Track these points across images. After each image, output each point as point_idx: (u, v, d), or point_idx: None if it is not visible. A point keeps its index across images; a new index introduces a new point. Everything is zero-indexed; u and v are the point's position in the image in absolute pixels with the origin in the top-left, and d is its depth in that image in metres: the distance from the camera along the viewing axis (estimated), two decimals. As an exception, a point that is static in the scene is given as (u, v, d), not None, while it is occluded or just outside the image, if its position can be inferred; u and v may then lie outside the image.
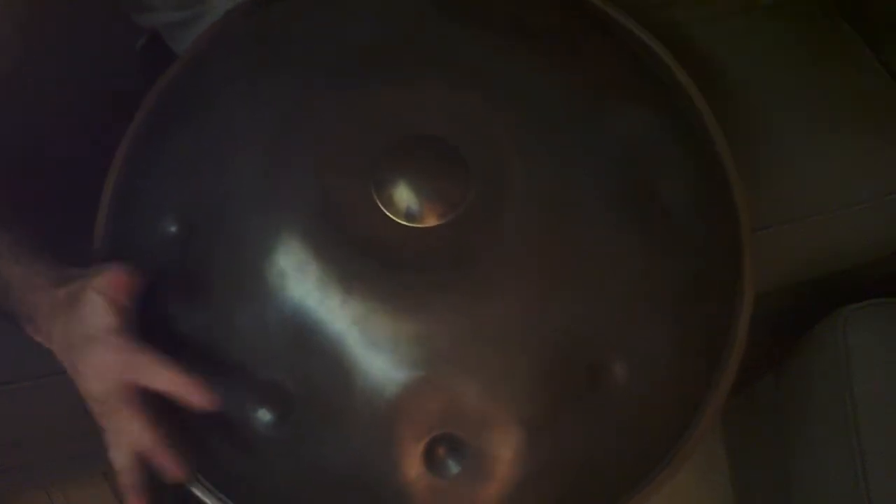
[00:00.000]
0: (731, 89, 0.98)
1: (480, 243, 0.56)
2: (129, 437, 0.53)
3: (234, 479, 0.56)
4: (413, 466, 0.54)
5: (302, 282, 0.55)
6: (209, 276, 0.57)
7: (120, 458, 0.53)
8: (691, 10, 1.04)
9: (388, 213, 0.56)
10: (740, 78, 0.99)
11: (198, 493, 0.55)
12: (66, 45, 0.81)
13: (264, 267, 0.56)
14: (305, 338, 0.55)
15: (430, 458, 0.54)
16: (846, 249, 1.06)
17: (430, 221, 0.56)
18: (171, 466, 0.53)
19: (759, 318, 0.61)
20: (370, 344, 0.54)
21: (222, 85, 0.63)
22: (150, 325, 0.56)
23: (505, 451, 0.54)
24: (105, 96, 0.86)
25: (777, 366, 1.06)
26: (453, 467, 0.54)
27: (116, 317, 0.53)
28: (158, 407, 0.53)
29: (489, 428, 0.54)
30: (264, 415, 0.55)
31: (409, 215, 0.56)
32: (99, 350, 0.53)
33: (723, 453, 1.22)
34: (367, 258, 0.55)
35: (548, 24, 0.66)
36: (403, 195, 0.56)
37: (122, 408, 0.53)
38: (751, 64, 1.01)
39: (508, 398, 0.55)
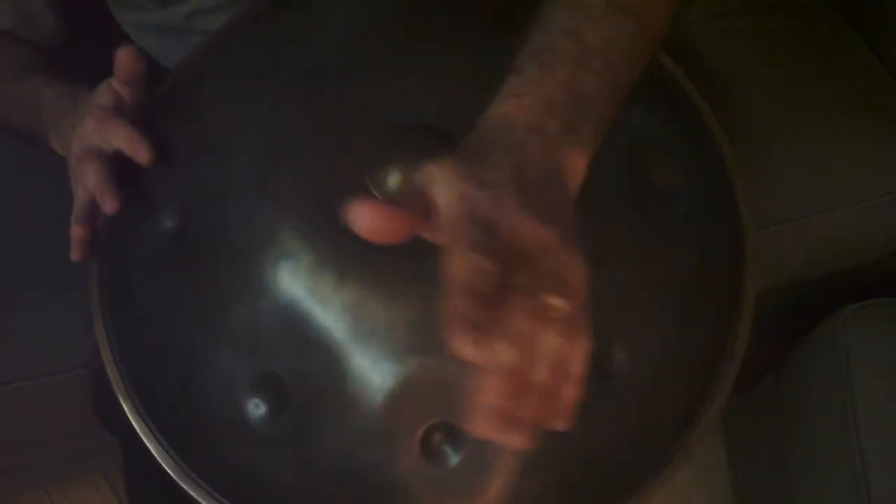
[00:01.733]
0: (730, 89, 0.98)
1: None
2: (85, 180, 0.59)
3: (228, 474, 0.56)
4: (409, 456, 0.54)
5: (296, 271, 0.55)
6: (204, 269, 0.58)
7: (77, 201, 0.61)
8: (691, 10, 1.04)
9: (381, 200, 0.56)
10: (740, 78, 0.99)
11: (190, 490, 0.55)
12: (64, 46, 0.81)
13: (258, 258, 0.56)
14: (299, 327, 0.55)
15: (427, 448, 0.54)
16: (846, 249, 1.06)
17: None
18: (104, 198, 0.58)
19: (760, 318, 0.61)
20: (364, 331, 0.54)
21: (217, 82, 0.63)
22: (144, 319, 0.56)
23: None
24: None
25: (777, 366, 1.06)
26: (451, 456, 0.54)
27: (115, 99, 0.61)
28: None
29: None
30: (259, 407, 0.55)
31: None
32: (86, 120, 0.60)
33: (723, 453, 1.22)
34: (360, 246, 0.55)
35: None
36: (397, 182, 0.56)
37: (85, 159, 0.59)
38: (751, 64, 1.01)
39: None
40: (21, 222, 0.92)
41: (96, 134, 0.60)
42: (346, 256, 0.55)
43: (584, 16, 0.49)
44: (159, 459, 0.56)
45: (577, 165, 0.45)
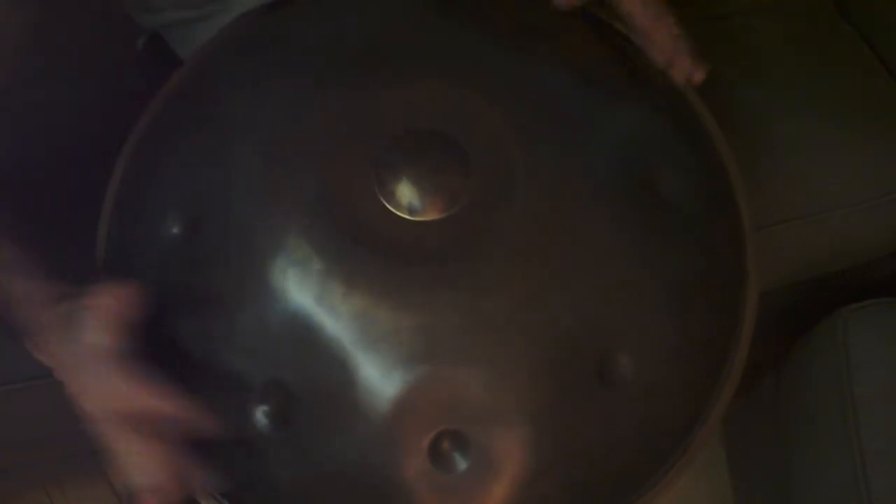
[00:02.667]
0: (730, 89, 0.99)
1: (483, 237, 0.56)
2: (134, 460, 0.51)
3: (234, 480, 0.56)
4: (418, 463, 0.54)
5: (304, 279, 0.55)
6: (211, 276, 0.58)
7: (127, 477, 0.52)
8: (690, 10, 1.04)
9: (390, 208, 0.56)
10: (740, 78, 0.99)
11: (197, 497, 0.55)
12: (66, 45, 0.81)
13: (266, 265, 0.56)
14: (307, 334, 0.55)
15: (435, 454, 0.54)
16: (846, 249, 1.06)
17: (433, 215, 0.56)
18: (190, 485, 0.51)
19: (760, 318, 0.61)
20: (372, 339, 0.54)
21: (224, 87, 0.63)
22: (150, 327, 0.55)
23: (510, 446, 0.54)
24: (105, 96, 0.86)
25: (777, 366, 1.07)
26: (459, 463, 0.54)
27: (111, 337, 0.52)
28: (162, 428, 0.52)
29: (494, 423, 0.54)
30: (266, 414, 0.55)
31: (411, 209, 0.56)
32: (91, 372, 0.52)
33: (723, 453, 1.22)
34: (368, 253, 0.55)
35: (546, 25, 0.66)
36: (405, 189, 0.56)
37: (121, 431, 0.51)
38: (751, 64, 1.01)
39: (513, 392, 0.55)
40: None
41: (118, 393, 0.51)
42: (355, 264, 0.55)
43: None
44: None
45: None
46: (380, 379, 0.53)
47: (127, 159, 0.63)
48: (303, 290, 0.55)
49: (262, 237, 0.57)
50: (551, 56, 0.64)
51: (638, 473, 0.57)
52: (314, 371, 0.55)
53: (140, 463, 0.51)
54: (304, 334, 0.54)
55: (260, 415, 0.55)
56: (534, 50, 0.63)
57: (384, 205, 0.56)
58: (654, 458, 0.57)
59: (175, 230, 0.59)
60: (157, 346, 0.55)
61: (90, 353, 0.51)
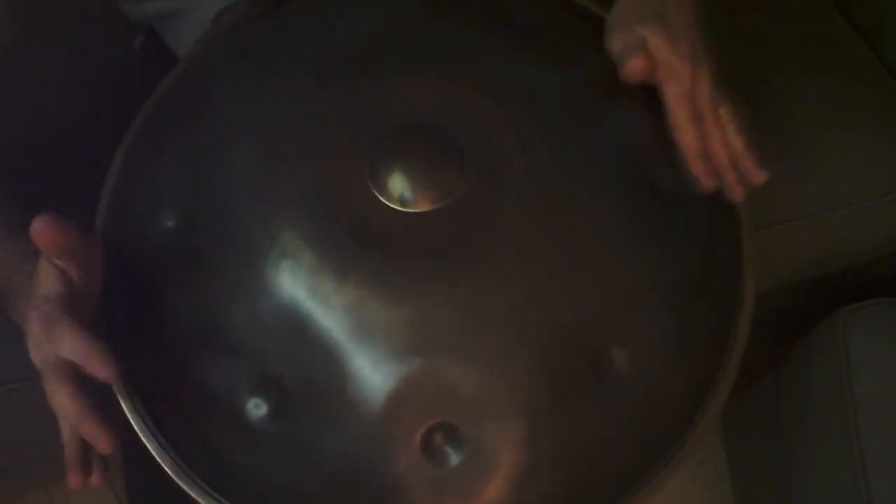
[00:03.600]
0: (730, 89, 0.98)
1: (478, 231, 0.56)
2: (61, 410, 0.52)
3: (226, 474, 0.56)
4: (410, 456, 0.54)
5: (296, 271, 0.55)
6: (205, 269, 0.58)
7: (62, 429, 0.53)
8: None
9: (382, 200, 0.56)
10: (740, 78, 0.99)
11: (189, 490, 0.55)
12: (65, 43, 0.81)
13: (259, 258, 0.56)
14: (300, 327, 0.55)
15: (428, 448, 0.54)
16: (846, 249, 1.06)
17: (426, 205, 0.56)
18: (96, 438, 0.52)
19: (760, 318, 0.61)
20: (365, 331, 0.54)
21: (220, 84, 0.63)
22: (146, 318, 0.56)
23: (504, 441, 0.54)
24: (103, 95, 0.86)
25: (777, 366, 1.06)
26: (451, 457, 0.54)
27: (60, 285, 0.52)
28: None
29: (487, 417, 0.54)
30: (259, 407, 0.55)
31: (402, 200, 0.56)
32: (34, 317, 0.52)
33: (723, 453, 1.22)
34: (362, 246, 0.55)
35: (544, 23, 0.66)
36: (397, 180, 0.56)
37: (52, 378, 0.52)
38: (750, 64, 1.01)
39: (507, 387, 0.55)
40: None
41: (47, 341, 0.52)
42: (348, 257, 0.55)
43: None
44: (158, 459, 0.56)
45: None
46: (373, 371, 0.54)
47: (124, 155, 0.64)
48: (296, 283, 0.55)
49: (255, 231, 0.57)
50: (551, 55, 0.64)
51: (634, 470, 0.57)
52: (307, 364, 0.55)
53: (64, 410, 0.52)
54: (296, 327, 0.54)
55: (252, 407, 0.55)
56: (533, 49, 0.63)
57: (378, 198, 0.56)
58: (650, 455, 0.57)
59: (170, 224, 0.59)
60: (150, 336, 0.55)
61: (34, 301, 0.52)
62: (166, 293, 0.58)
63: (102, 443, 0.51)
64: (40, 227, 0.51)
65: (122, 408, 0.57)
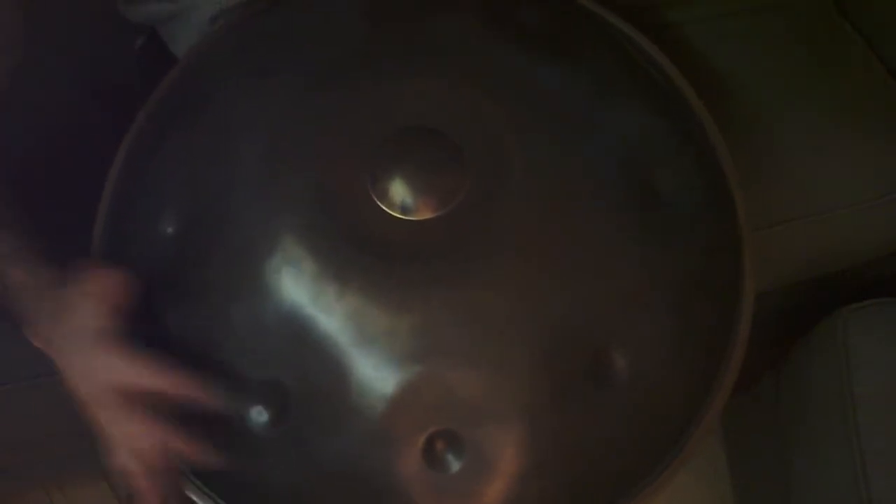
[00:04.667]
0: (730, 89, 0.98)
1: (478, 236, 0.56)
2: (129, 440, 0.53)
3: (230, 480, 0.56)
4: (412, 462, 0.54)
5: (298, 278, 0.55)
6: (206, 275, 0.58)
7: (122, 461, 0.53)
8: (691, 10, 1.04)
9: (383, 207, 0.56)
10: (740, 78, 0.99)
11: (193, 496, 0.55)
12: (65, 45, 0.81)
13: (260, 264, 0.56)
14: (302, 334, 0.55)
15: (430, 454, 0.54)
16: (846, 249, 1.06)
17: (426, 214, 0.56)
18: (195, 455, 0.52)
19: (760, 318, 0.61)
20: (367, 338, 0.54)
21: (220, 86, 0.63)
22: (145, 324, 0.56)
23: (506, 445, 0.54)
24: (104, 96, 0.86)
25: (777, 366, 1.06)
26: (453, 463, 0.54)
27: (106, 320, 0.53)
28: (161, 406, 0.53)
29: (489, 420, 0.54)
30: (261, 414, 0.55)
31: (404, 208, 0.56)
32: (88, 353, 0.53)
33: (723, 453, 1.22)
34: (363, 252, 0.55)
35: (545, 24, 0.66)
36: (398, 188, 0.56)
37: (118, 410, 0.52)
38: (751, 64, 1.01)
39: (507, 392, 0.55)
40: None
41: (114, 371, 0.53)
42: (350, 263, 0.55)
43: None
44: None
45: None
46: (374, 378, 0.53)
47: (124, 158, 0.63)
48: (298, 290, 0.55)
49: (257, 236, 0.57)
50: (551, 56, 0.64)
51: (634, 472, 0.57)
52: (309, 370, 0.55)
53: (136, 445, 0.52)
54: (298, 333, 0.54)
55: (255, 414, 0.55)
56: (533, 49, 0.63)
57: (379, 204, 0.56)
58: (650, 457, 0.57)
59: (170, 228, 0.59)
60: (153, 345, 0.55)
61: (85, 335, 0.53)
62: (166, 299, 0.58)
63: (204, 458, 0.52)
64: (111, 281, 0.54)
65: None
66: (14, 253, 0.57)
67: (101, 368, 0.53)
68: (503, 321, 0.55)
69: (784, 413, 1.04)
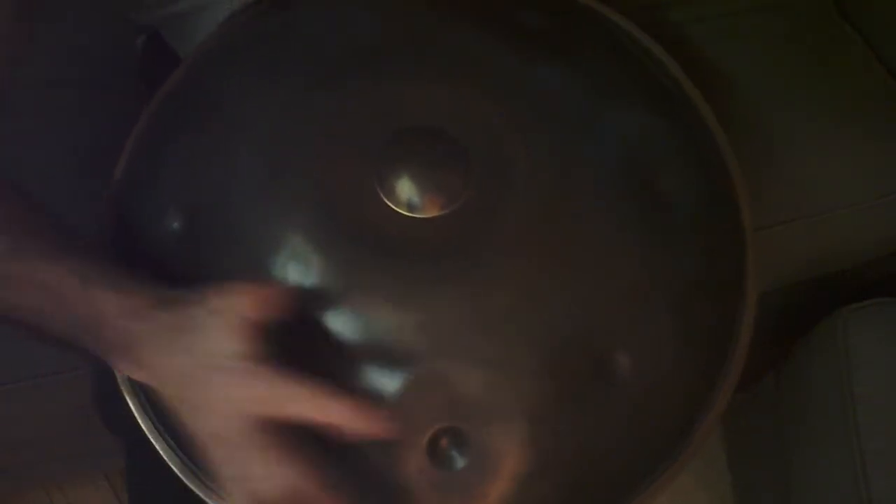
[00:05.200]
0: (730, 89, 0.99)
1: (483, 235, 0.56)
2: (251, 482, 0.47)
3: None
4: (416, 460, 0.54)
5: (304, 275, 0.55)
6: (210, 271, 0.58)
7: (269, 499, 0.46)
8: (691, 9, 1.04)
9: (389, 204, 0.56)
10: (740, 78, 0.99)
11: (194, 487, 0.55)
12: (66, 44, 0.81)
13: (266, 262, 0.56)
14: (306, 332, 0.55)
15: (434, 451, 0.54)
16: (846, 249, 1.06)
17: (432, 212, 0.56)
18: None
19: (760, 318, 0.61)
20: (372, 336, 0.54)
21: (225, 84, 0.63)
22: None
23: (509, 443, 0.54)
24: (106, 96, 0.86)
25: (777, 366, 1.07)
26: (457, 460, 0.54)
27: (244, 342, 0.46)
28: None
29: (493, 419, 0.54)
30: None
31: (410, 206, 0.56)
32: (224, 381, 0.46)
33: (723, 453, 1.22)
34: (368, 250, 0.55)
35: (546, 24, 0.66)
36: (405, 186, 0.56)
37: (253, 448, 0.46)
38: (751, 64, 1.01)
39: (512, 390, 0.55)
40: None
41: (259, 401, 0.45)
42: (354, 261, 0.55)
43: None
44: (166, 458, 0.56)
45: None
46: (379, 375, 0.54)
47: (128, 158, 0.63)
48: (304, 287, 0.55)
49: (262, 234, 0.57)
50: (552, 55, 0.64)
51: (636, 472, 0.57)
52: (313, 368, 0.55)
53: (258, 487, 0.46)
54: (303, 332, 0.54)
55: None
56: (534, 49, 0.63)
57: (384, 202, 0.56)
58: (652, 457, 0.57)
59: (175, 226, 0.59)
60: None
61: (214, 361, 0.46)
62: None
63: None
64: (246, 296, 0.47)
65: (129, 407, 0.57)
66: (96, 274, 0.50)
67: (235, 399, 0.46)
68: (507, 320, 0.55)
69: (784, 413, 1.04)
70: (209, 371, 0.46)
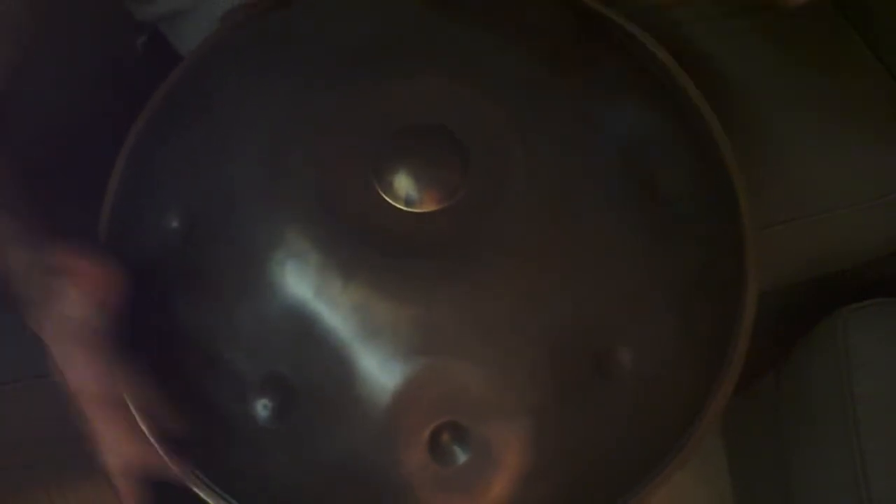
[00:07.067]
0: (730, 89, 0.98)
1: (483, 230, 0.56)
2: (111, 440, 0.53)
3: (235, 475, 0.56)
4: (417, 455, 0.54)
5: (302, 271, 0.55)
6: (210, 269, 0.58)
7: (106, 457, 0.53)
8: (691, 9, 1.04)
9: (388, 200, 0.56)
10: (740, 78, 0.99)
11: (196, 489, 0.55)
12: (66, 43, 0.81)
13: (265, 257, 0.56)
14: (305, 327, 0.55)
15: (434, 447, 0.54)
16: (846, 249, 1.06)
17: (430, 206, 0.56)
18: (170, 473, 0.52)
19: (760, 318, 0.61)
20: (371, 331, 0.54)
21: (224, 83, 0.63)
22: (149, 319, 0.56)
23: (510, 439, 0.55)
24: (106, 95, 0.86)
25: (777, 366, 1.06)
26: (458, 456, 0.54)
27: (89, 314, 0.53)
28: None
29: (493, 415, 0.55)
30: (265, 408, 0.55)
31: (408, 200, 0.56)
32: (77, 348, 0.53)
33: (723, 453, 1.22)
34: (367, 246, 0.55)
35: (546, 23, 0.66)
36: (402, 180, 0.56)
37: (102, 408, 0.52)
38: (751, 64, 1.01)
39: (512, 385, 0.55)
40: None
41: (98, 371, 0.53)
42: (353, 256, 0.55)
43: None
44: (167, 460, 0.56)
45: None
46: (379, 371, 0.54)
47: (127, 156, 0.64)
48: (301, 283, 0.55)
49: (260, 230, 0.57)
50: (552, 55, 0.64)
51: (637, 469, 0.57)
52: (313, 364, 0.55)
53: (113, 442, 0.52)
54: (302, 327, 0.54)
55: (259, 408, 0.55)
56: (534, 48, 0.63)
57: (382, 197, 0.56)
58: (653, 454, 0.57)
59: (174, 224, 0.59)
60: (156, 338, 0.55)
61: (68, 325, 0.52)
62: (171, 294, 0.58)
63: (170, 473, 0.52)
64: (98, 273, 0.53)
65: (129, 408, 0.57)
66: (15, 234, 0.56)
67: (81, 364, 0.53)
68: (507, 316, 0.55)
69: (784, 413, 1.04)
70: (67, 334, 0.53)
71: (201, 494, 0.56)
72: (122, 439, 0.53)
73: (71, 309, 0.53)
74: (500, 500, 0.55)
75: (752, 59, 1.01)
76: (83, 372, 0.53)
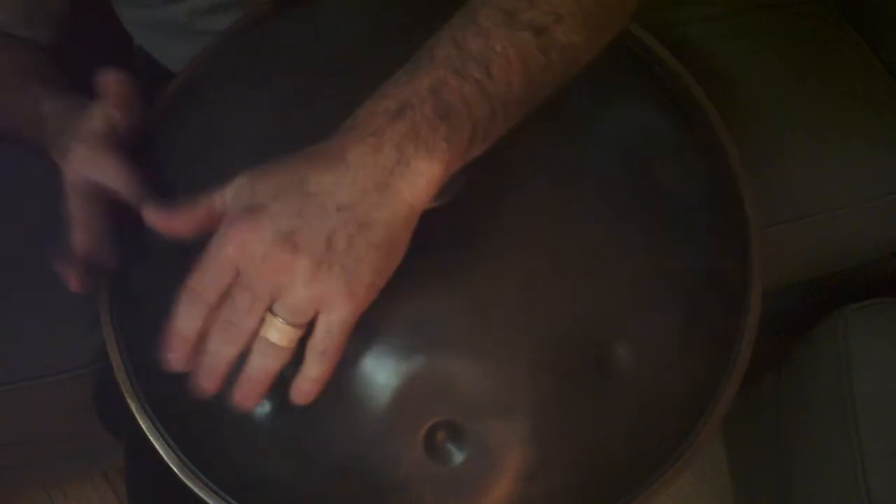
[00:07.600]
0: (730, 89, 0.99)
1: (482, 227, 0.56)
2: (75, 224, 0.56)
3: (234, 472, 0.56)
4: (413, 454, 0.54)
5: None
6: None
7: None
8: (692, 10, 1.04)
9: None
10: (740, 78, 0.99)
11: (194, 487, 0.55)
12: (64, 45, 0.81)
13: None
14: None
15: (431, 446, 0.54)
16: (846, 249, 1.06)
17: (429, 204, 0.56)
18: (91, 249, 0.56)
19: (760, 318, 0.61)
20: (368, 329, 0.54)
21: (223, 88, 0.63)
22: (150, 319, 0.56)
23: (508, 439, 0.54)
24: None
25: (777, 366, 1.07)
26: (455, 455, 0.54)
27: (103, 120, 0.57)
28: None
29: (491, 414, 0.54)
30: (264, 406, 0.55)
31: None
32: (78, 146, 0.57)
33: (723, 453, 1.22)
34: None
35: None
36: None
37: (76, 196, 0.56)
38: (751, 64, 1.01)
39: (512, 385, 0.55)
40: (20, 222, 0.92)
41: (88, 165, 0.56)
42: None
43: (474, 25, 0.50)
44: (166, 458, 0.56)
45: (417, 171, 0.48)
46: (376, 368, 0.54)
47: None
48: None
49: None
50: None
51: (639, 469, 0.56)
52: None
53: (76, 228, 0.56)
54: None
55: (258, 407, 0.55)
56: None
57: None
58: (655, 454, 0.57)
59: None
60: (156, 339, 0.55)
61: (80, 133, 0.57)
62: (170, 293, 0.58)
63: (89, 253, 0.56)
64: (111, 82, 0.58)
65: (130, 407, 0.57)
66: (49, 90, 0.64)
67: (81, 155, 0.56)
68: (506, 314, 0.55)
69: (784, 413, 1.04)
70: (78, 136, 0.57)
71: (201, 494, 0.55)
72: (82, 224, 0.56)
73: (96, 125, 0.57)
74: (498, 500, 0.54)
75: (752, 60, 1.02)
76: (77, 160, 0.57)
